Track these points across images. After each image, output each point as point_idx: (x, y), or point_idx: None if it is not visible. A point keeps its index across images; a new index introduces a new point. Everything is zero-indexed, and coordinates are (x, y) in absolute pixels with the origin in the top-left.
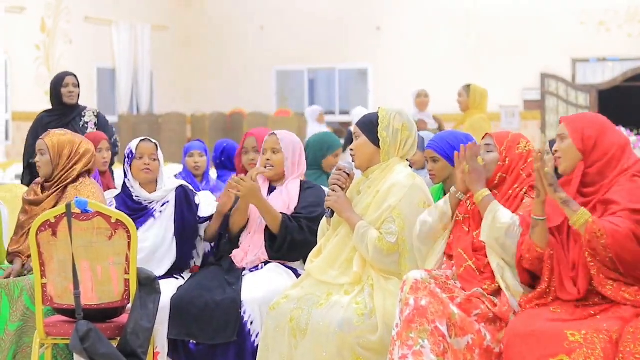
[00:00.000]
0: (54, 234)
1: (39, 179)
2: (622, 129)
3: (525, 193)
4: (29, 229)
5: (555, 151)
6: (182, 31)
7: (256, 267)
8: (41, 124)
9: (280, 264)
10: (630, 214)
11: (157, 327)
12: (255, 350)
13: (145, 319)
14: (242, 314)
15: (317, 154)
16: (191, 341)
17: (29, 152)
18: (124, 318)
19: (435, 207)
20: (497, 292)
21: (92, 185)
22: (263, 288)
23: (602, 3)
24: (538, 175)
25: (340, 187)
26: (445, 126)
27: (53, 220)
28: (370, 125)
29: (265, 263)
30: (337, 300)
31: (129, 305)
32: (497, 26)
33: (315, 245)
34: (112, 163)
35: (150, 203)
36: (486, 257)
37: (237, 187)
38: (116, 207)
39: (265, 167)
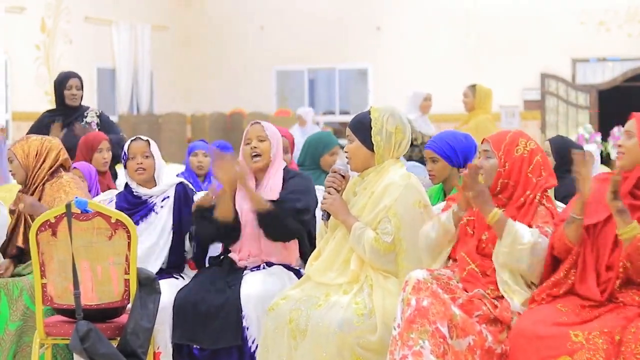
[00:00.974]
0: (54, 234)
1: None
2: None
3: (539, 201)
4: (23, 235)
5: (620, 145)
6: (182, 31)
7: (257, 267)
8: (42, 124)
9: (282, 265)
10: None
11: (158, 327)
12: (252, 354)
13: (145, 319)
14: (242, 318)
15: (315, 153)
16: (195, 346)
17: None
18: (124, 318)
19: (438, 222)
20: (501, 296)
21: (68, 180)
22: (259, 287)
23: (602, 3)
24: (582, 176)
25: (335, 189)
26: (448, 126)
27: (53, 220)
28: (362, 129)
29: (267, 264)
30: (336, 301)
31: (129, 305)
32: (497, 26)
33: (304, 235)
34: (117, 162)
35: (150, 197)
36: (491, 261)
37: (216, 170)
38: (117, 203)
39: (252, 158)
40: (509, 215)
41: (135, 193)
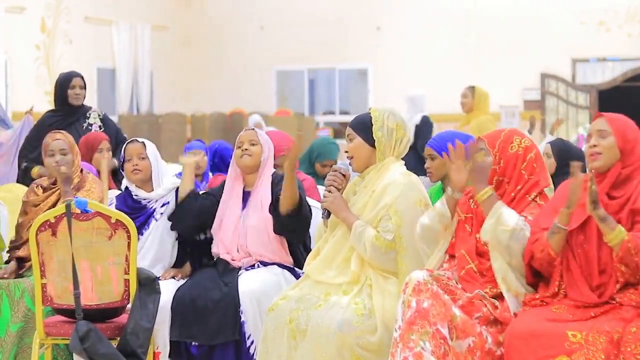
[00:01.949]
0: (54, 234)
1: (42, 180)
2: None
3: (533, 199)
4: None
5: (594, 145)
6: (182, 31)
7: (252, 267)
8: (44, 125)
9: (277, 264)
10: None
11: (157, 327)
12: (249, 351)
13: (145, 319)
14: (240, 313)
15: (311, 157)
16: (192, 343)
17: (27, 150)
18: (123, 318)
19: (433, 209)
20: (499, 295)
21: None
22: (256, 284)
23: (602, 3)
24: (574, 188)
25: (336, 187)
26: (448, 126)
27: (53, 220)
28: (364, 126)
29: (262, 263)
30: (336, 301)
31: (129, 306)
32: (497, 26)
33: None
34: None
35: (149, 202)
36: (489, 260)
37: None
38: (116, 206)
39: (241, 158)
40: None
41: (135, 196)
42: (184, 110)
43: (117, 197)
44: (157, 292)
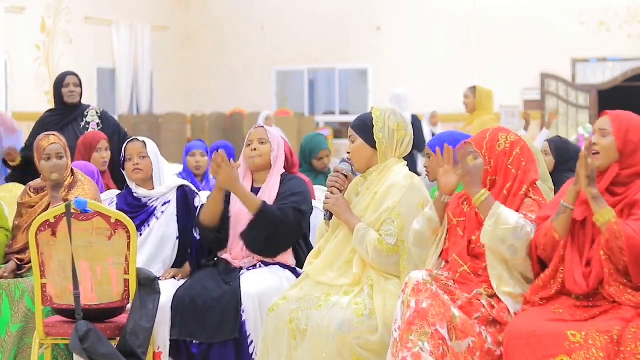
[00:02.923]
0: (54, 234)
1: (35, 182)
2: None
3: (525, 194)
4: (26, 231)
5: (594, 144)
6: (183, 31)
7: (254, 267)
8: (42, 124)
9: (278, 264)
10: None
11: (157, 327)
12: (249, 350)
13: (145, 319)
14: (241, 312)
15: (305, 157)
16: (193, 342)
17: (30, 150)
18: (123, 318)
19: (422, 214)
20: (496, 295)
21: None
22: (260, 284)
23: (602, 3)
24: (581, 164)
25: (338, 189)
26: (448, 126)
27: (52, 220)
28: (365, 127)
29: (264, 263)
30: (336, 301)
31: (129, 306)
32: (497, 26)
33: (300, 238)
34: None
35: (150, 200)
36: (484, 262)
37: (215, 170)
38: (117, 205)
39: (251, 158)
40: None
41: (135, 195)
42: (184, 110)
43: (118, 195)
44: (157, 292)
